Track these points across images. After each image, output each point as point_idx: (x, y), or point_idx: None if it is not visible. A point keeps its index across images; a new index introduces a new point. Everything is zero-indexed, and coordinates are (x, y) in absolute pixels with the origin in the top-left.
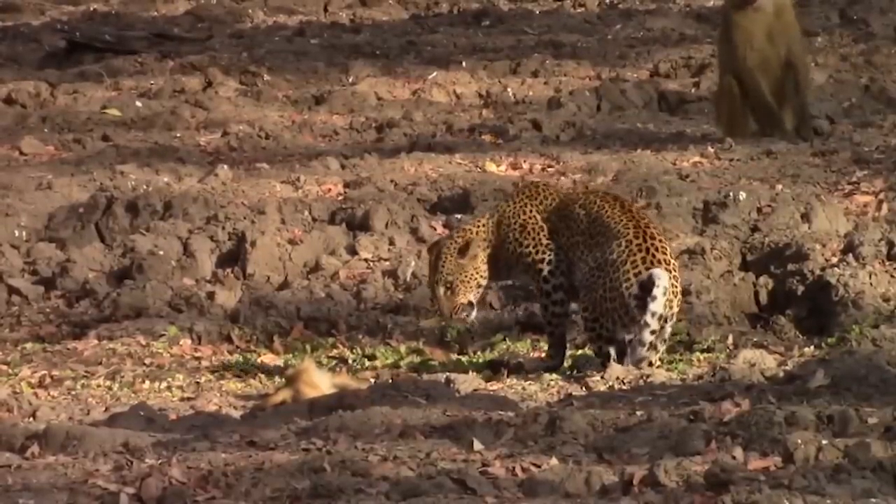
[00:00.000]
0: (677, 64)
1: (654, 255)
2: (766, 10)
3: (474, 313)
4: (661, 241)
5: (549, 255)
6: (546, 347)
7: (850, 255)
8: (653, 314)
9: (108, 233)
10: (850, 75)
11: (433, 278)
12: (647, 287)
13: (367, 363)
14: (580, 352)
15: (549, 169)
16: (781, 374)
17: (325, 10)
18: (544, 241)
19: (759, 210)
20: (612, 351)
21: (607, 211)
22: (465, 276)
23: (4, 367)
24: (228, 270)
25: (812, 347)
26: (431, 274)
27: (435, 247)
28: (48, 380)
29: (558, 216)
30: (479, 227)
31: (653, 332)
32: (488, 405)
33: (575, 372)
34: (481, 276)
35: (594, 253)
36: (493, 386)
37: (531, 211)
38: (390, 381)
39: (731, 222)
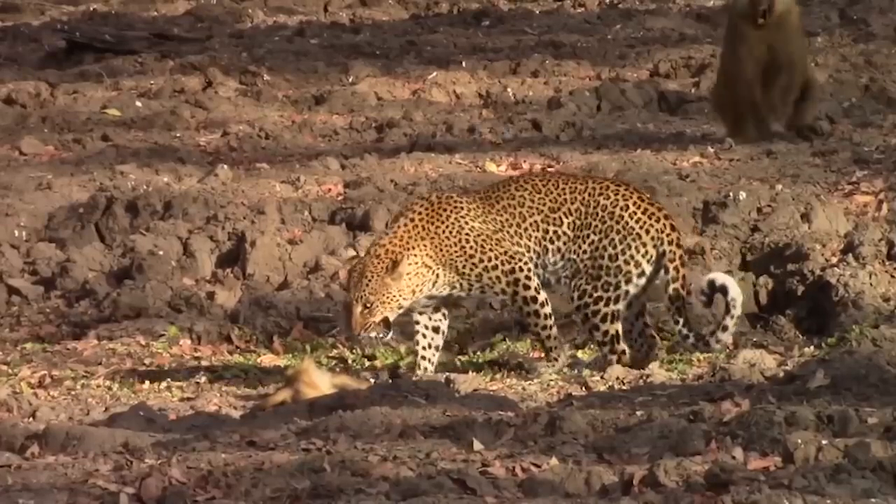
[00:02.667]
0: (677, 64)
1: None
2: (772, 22)
3: (391, 334)
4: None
5: (516, 259)
6: (544, 349)
7: (850, 255)
8: (732, 319)
9: (107, 233)
10: (850, 75)
11: (353, 295)
12: (720, 291)
13: (367, 363)
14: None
15: (549, 169)
16: (781, 374)
17: (325, 10)
18: (502, 248)
19: (759, 210)
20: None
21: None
22: (387, 297)
23: (4, 367)
24: (228, 270)
25: (812, 347)
26: (352, 289)
27: (359, 263)
28: (48, 380)
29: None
30: (405, 244)
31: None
32: (488, 405)
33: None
34: (404, 298)
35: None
36: (493, 386)
37: (468, 224)
38: (390, 381)
39: (731, 222)
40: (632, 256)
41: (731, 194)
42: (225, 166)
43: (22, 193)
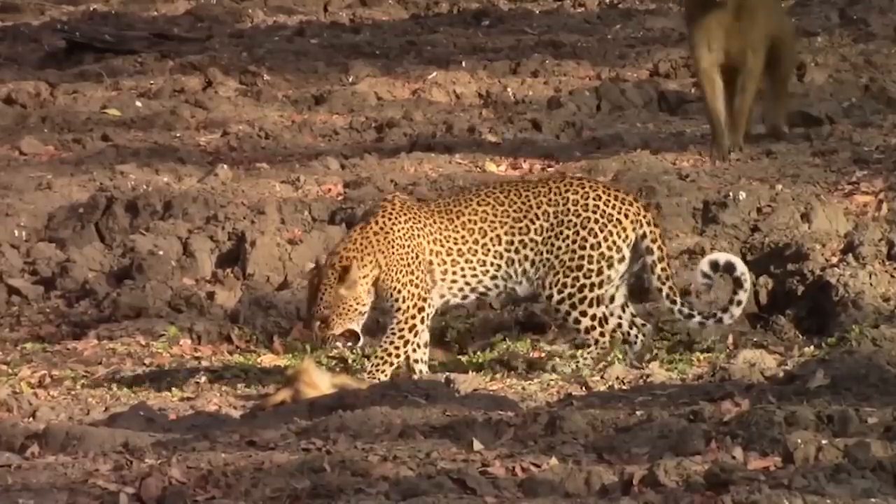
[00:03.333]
0: (677, 64)
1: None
2: (729, 5)
3: (361, 342)
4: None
5: (430, 294)
6: (382, 364)
7: (850, 255)
8: (745, 293)
9: (107, 233)
10: (849, 75)
11: (310, 311)
12: (725, 270)
13: (367, 363)
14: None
15: (549, 169)
16: (781, 374)
17: (325, 9)
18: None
19: (758, 210)
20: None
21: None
22: (344, 308)
23: (4, 367)
24: (228, 270)
25: (812, 347)
26: (309, 305)
27: (315, 276)
28: (48, 380)
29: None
30: (358, 248)
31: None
32: (488, 405)
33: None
34: (363, 304)
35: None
36: (493, 386)
37: (416, 238)
38: (390, 380)
39: (730, 222)
40: (614, 242)
41: (730, 194)
42: (225, 166)
43: (22, 193)
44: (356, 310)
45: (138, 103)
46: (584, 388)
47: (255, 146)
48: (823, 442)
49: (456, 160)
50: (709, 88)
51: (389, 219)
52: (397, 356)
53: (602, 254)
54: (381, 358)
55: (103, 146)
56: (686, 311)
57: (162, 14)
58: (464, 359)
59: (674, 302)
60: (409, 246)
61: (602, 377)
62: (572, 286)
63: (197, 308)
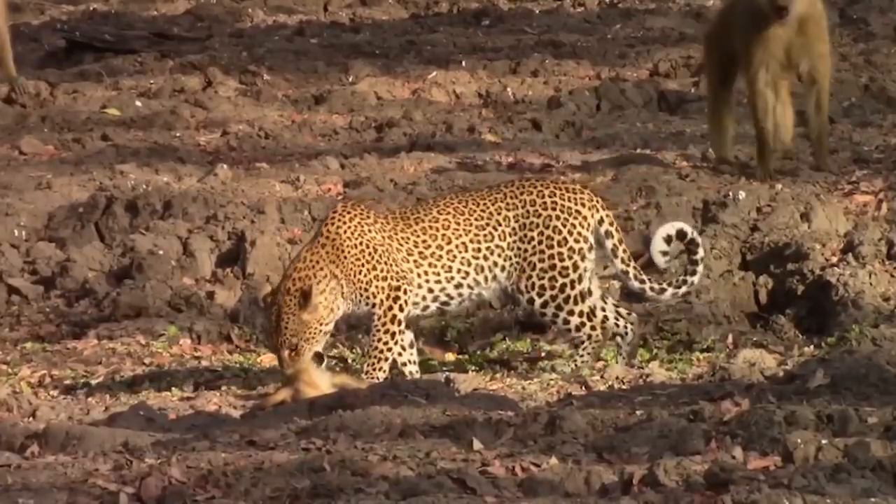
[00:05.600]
0: (677, 63)
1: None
2: (792, 24)
3: (324, 363)
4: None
5: (404, 279)
6: (373, 366)
7: (850, 254)
8: (699, 259)
9: (107, 232)
10: (849, 75)
11: (276, 340)
12: (678, 237)
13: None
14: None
15: (549, 168)
16: (781, 374)
17: (325, 9)
18: (397, 267)
19: (758, 210)
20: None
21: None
22: (310, 333)
23: (4, 367)
24: (228, 270)
25: (812, 347)
26: (273, 334)
27: (274, 303)
28: (48, 379)
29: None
30: (314, 265)
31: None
32: (488, 405)
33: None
34: (326, 325)
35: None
36: (493, 385)
37: (370, 234)
38: (390, 380)
39: (730, 222)
40: (580, 233)
41: (730, 194)
42: (225, 166)
43: (22, 193)
44: (321, 331)
45: (138, 103)
46: (583, 388)
47: (255, 146)
48: (823, 441)
49: (456, 160)
50: (762, 106)
51: (335, 226)
52: (389, 350)
53: (572, 248)
54: (374, 357)
55: (103, 146)
56: (657, 286)
57: (162, 14)
58: (464, 358)
59: (643, 281)
60: (361, 243)
61: (602, 377)
62: (551, 288)
63: (197, 308)
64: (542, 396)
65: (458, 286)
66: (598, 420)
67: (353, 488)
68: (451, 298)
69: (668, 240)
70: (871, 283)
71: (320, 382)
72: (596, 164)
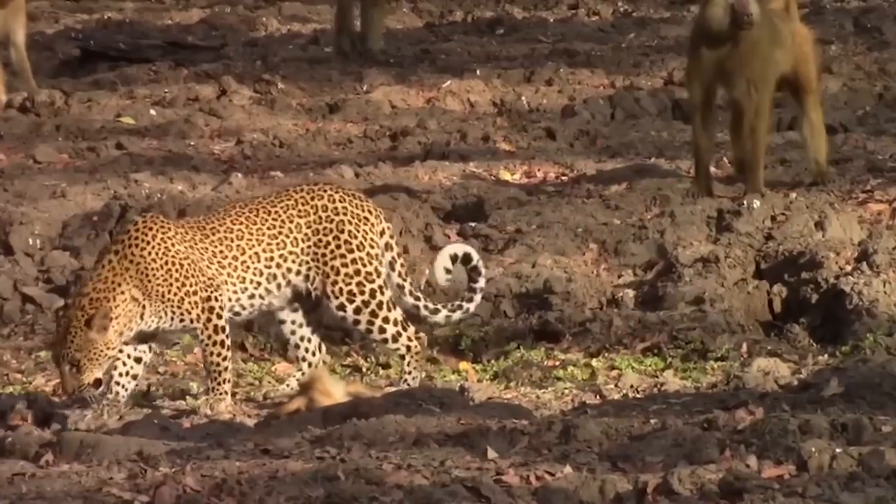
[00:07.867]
0: None
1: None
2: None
3: (102, 388)
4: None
5: (213, 288)
6: (215, 381)
7: (864, 263)
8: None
9: None
10: (863, 83)
11: (58, 351)
12: (462, 261)
13: (381, 371)
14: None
15: (563, 177)
16: (795, 383)
17: None
18: (204, 276)
19: (773, 218)
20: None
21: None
22: (95, 353)
23: (19, 376)
24: None
25: (826, 356)
26: (57, 346)
27: (64, 316)
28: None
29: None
30: (110, 285)
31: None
32: (502, 413)
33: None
34: (111, 348)
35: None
36: (508, 394)
37: (174, 247)
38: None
39: (745, 230)
40: (373, 239)
41: (744, 202)
42: (239, 174)
43: (36, 202)
44: (106, 354)
45: (152, 112)
46: (598, 397)
47: (270, 154)
48: (838, 450)
49: (470, 168)
50: (698, 123)
51: (138, 247)
52: (224, 359)
53: (369, 253)
54: (214, 372)
55: (117, 154)
56: (431, 306)
57: (176, 23)
58: (478, 367)
59: (417, 298)
60: (166, 263)
61: (616, 385)
62: (361, 293)
63: None
64: (556, 405)
65: (251, 297)
66: (612, 429)
67: (368, 497)
68: (244, 309)
69: (454, 258)
70: (885, 292)
71: (334, 391)
72: (610, 172)
